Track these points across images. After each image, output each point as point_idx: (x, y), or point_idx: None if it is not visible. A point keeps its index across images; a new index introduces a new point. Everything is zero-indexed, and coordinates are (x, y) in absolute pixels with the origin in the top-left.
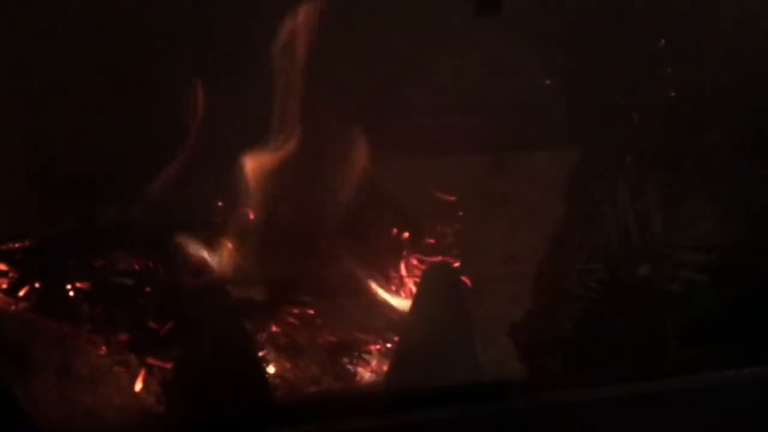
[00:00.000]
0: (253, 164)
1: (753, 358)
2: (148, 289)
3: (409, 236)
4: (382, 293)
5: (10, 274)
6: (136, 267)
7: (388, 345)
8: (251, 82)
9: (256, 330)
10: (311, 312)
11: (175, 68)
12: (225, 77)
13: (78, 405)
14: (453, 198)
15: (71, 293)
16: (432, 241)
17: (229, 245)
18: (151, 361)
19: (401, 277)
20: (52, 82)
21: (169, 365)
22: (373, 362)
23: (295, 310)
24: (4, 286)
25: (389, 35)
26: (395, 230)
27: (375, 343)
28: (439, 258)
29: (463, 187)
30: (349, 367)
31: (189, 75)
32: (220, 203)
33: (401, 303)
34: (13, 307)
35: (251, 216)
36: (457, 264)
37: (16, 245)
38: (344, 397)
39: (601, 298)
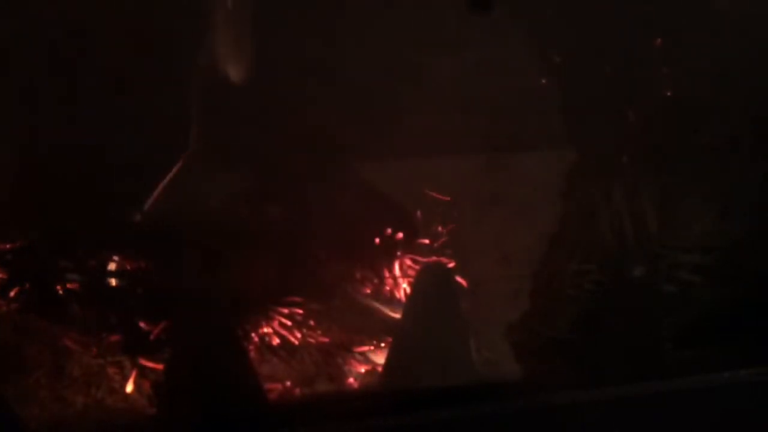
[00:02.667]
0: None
1: (750, 358)
2: (139, 290)
3: (403, 237)
4: (376, 294)
5: (0, 275)
6: (128, 268)
7: (382, 346)
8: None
9: (249, 331)
10: (304, 313)
11: (169, 68)
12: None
13: (69, 406)
14: (447, 198)
15: (62, 294)
16: (426, 241)
17: (221, 246)
18: (143, 362)
19: (395, 278)
20: (43, 81)
21: (160, 366)
22: (367, 363)
23: (288, 311)
24: None
25: (384, 35)
26: (389, 231)
27: (369, 344)
28: (433, 258)
29: (458, 188)
30: (343, 368)
31: (184, 75)
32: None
33: (395, 304)
34: (3, 308)
35: (244, 216)
36: (451, 264)
37: (7, 246)
38: (337, 398)
39: (596, 299)
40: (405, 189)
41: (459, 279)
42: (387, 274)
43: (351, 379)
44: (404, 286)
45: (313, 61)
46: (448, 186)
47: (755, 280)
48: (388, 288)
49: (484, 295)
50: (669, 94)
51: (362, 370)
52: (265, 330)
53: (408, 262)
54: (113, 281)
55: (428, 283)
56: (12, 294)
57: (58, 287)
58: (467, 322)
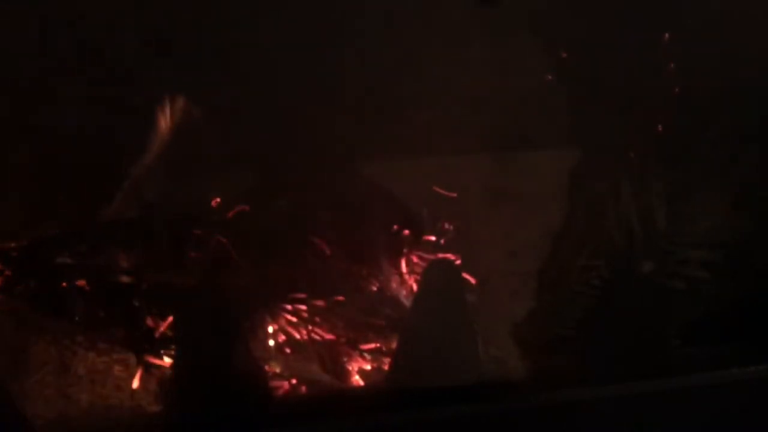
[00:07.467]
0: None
1: (758, 354)
2: (145, 287)
3: (410, 233)
4: (382, 290)
5: (6, 272)
6: (134, 265)
7: (389, 343)
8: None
9: (255, 328)
10: (310, 310)
11: (170, 66)
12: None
13: (74, 404)
14: (454, 195)
15: (68, 292)
16: (433, 238)
17: (227, 242)
18: (148, 359)
19: (402, 275)
20: (45, 77)
21: (166, 363)
22: (373, 360)
23: (294, 308)
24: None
25: (390, 31)
26: (396, 227)
27: (375, 341)
28: (440, 255)
29: (465, 185)
30: (349, 365)
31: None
32: (216, 200)
33: (402, 300)
34: (9, 306)
35: (249, 213)
36: (458, 261)
37: (12, 243)
38: (343, 395)
39: (603, 296)
40: (412, 186)
41: (466, 276)
42: (394, 271)
43: (357, 377)
44: (411, 283)
45: (321, 59)
46: (455, 183)
47: (763, 276)
48: (394, 285)
49: (491, 292)
50: (677, 89)
51: (368, 367)
52: (271, 327)
53: (415, 259)
54: (119, 279)
55: (435, 279)
56: (17, 291)
57: (64, 285)
58: (474, 319)
